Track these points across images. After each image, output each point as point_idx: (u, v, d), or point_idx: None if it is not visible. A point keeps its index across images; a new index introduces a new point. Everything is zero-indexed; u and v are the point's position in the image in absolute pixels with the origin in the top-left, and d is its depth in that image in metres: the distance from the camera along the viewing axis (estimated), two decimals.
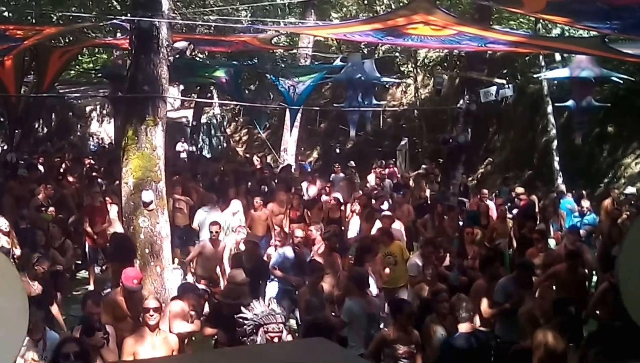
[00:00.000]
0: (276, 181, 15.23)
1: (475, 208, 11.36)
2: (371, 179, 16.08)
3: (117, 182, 10.38)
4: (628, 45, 8.08)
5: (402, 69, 22.60)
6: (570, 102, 11.50)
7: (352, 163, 18.18)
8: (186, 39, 11.34)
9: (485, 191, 12.74)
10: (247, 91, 16.02)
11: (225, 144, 31.20)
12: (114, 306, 6.40)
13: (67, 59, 12.99)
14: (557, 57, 14.77)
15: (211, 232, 9.27)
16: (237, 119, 32.51)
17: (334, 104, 19.45)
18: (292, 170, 17.07)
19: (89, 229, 11.17)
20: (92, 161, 18.53)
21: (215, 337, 6.36)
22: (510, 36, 7.97)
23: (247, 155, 25.07)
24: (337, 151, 24.02)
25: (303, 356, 2.06)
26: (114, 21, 11.52)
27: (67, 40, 13.77)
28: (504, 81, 13.40)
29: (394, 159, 17.89)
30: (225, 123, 32.48)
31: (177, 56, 9.99)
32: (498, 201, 11.91)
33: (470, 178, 17.84)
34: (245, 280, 7.38)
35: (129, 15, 9.95)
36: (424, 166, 17.23)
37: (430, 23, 7.09)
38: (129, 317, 6.21)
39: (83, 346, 4.57)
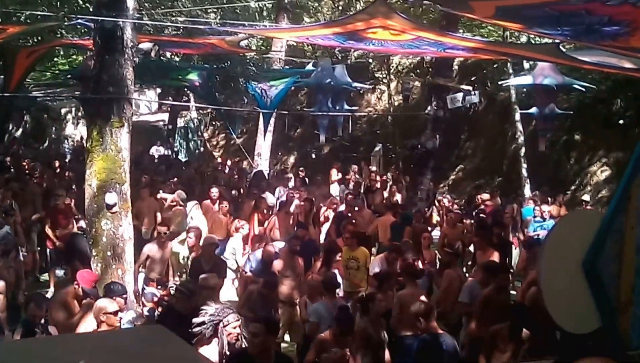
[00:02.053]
0: (247, 185, 15.22)
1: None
2: (334, 188, 16.08)
3: None
4: (586, 53, 8.19)
5: (376, 75, 22.72)
6: (533, 110, 11.63)
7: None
8: (152, 41, 11.32)
9: (441, 197, 12.88)
10: (218, 94, 15.97)
11: (202, 149, 31.12)
12: (65, 306, 6.38)
13: (35, 58, 12.89)
14: (526, 65, 14.94)
15: (159, 233, 9.24)
16: (214, 123, 32.43)
17: (304, 109, 19.48)
18: (265, 175, 17.05)
19: (49, 231, 11.08)
20: (62, 163, 18.43)
21: None
22: (468, 42, 8.06)
23: (223, 160, 25.02)
24: (313, 156, 24.06)
25: (137, 344, 2.08)
26: (79, 21, 11.47)
27: (34, 40, 13.68)
28: (470, 88, 13.53)
29: (356, 166, 17.82)
30: (202, 127, 32.40)
31: (142, 57, 9.96)
32: (453, 207, 12.02)
33: (441, 185, 17.96)
34: (217, 284, 7.40)
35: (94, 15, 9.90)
36: (389, 174, 17.31)
37: (389, 28, 7.14)
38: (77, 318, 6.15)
39: None
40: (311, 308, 6.67)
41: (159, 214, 11.20)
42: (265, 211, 11.56)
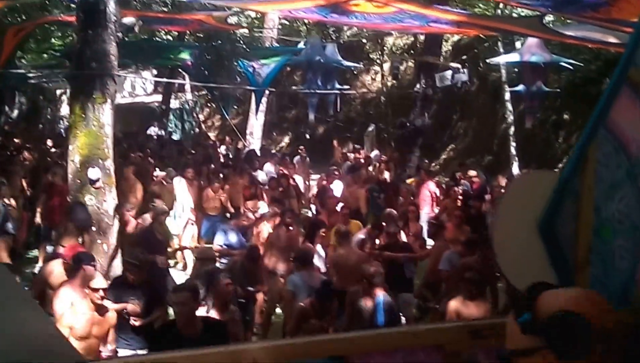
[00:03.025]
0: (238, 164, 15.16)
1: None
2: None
3: None
4: (571, 28, 8.11)
5: (371, 56, 22.63)
6: (521, 87, 11.59)
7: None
8: (137, 17, 11.21)
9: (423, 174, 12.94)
10: (208, 73, 15.88)
11: (197, 130, 31.09)
12: (50, 277, 6.39)
13: (22, 36, 12.79)
14: (517, 44, 14.86)
15: (154, 206, 9.21)
16: (209, 105, 32.36)
17: (293, 87, 19.39)
18: (257, 153, 17.02)
19: (38, 208, 11.06)
20: (55, 142, 18.40)
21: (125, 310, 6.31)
22: (451, 15, 7.96)
23: (218, 140, 24.99)
24: (307, 136, 24.01)
25: None
26: None
27: (21, 18, 13.58)
28: (459, 66, 13.44)
29: (355, 146, 17.88)
30: (197, 109, 32.34)
31: (125, 32, 9.87)
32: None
33: (433, 164, 17.95)
34: (214, 254, 7.45)
35: None
36: (376, 152, 17.29)
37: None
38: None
39: None
40: (288, 278, 6.77)
41: (139, 194, 11.13)
42: (255, 188, 11.54)
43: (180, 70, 20.60)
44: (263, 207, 10.03)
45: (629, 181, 3.01)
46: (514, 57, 12.31)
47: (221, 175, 12.21)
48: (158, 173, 12.47)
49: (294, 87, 19.66)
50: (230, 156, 17.45)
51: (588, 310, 1.30)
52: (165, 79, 21.99)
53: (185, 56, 16.98)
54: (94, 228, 9.50)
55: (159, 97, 30.20)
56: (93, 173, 9.53)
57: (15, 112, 31.66)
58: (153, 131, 24.84)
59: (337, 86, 14.38)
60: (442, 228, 8.52)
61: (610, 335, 1.28)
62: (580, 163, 2.90)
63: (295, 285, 6.58)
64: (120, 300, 6.32)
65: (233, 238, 8.38)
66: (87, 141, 9.66)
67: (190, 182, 11.29)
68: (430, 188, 11.34)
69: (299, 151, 17.16)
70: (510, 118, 15.14)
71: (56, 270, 6.56)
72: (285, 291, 6.51)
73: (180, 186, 11.09)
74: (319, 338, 2.61)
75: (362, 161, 14.82)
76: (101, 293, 5.61)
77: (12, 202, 10.68)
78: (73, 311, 5.56)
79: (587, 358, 1.29)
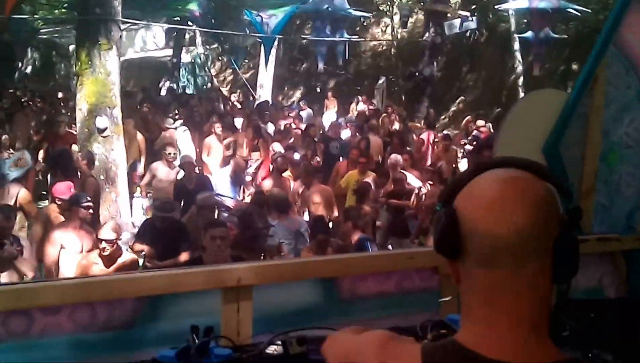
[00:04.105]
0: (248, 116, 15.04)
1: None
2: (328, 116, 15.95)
3: None
4: None
5: (380, 8, 22.22)
6: (529, 34, 11.35)
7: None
8: None
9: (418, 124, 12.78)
10: (216, 24, 15.63)
11: (209, 84, 30.89)
12: (45, 221, 6.36)
13: None
14: None
15: (169, 154, 9.13)
16: (220, 58, 32.05)
17: (302, 37, 19.09)
18: (268, 105, 16.84)
19: (40, 155, 11.05)
20: (66, 96, 18.36)
21: (144, 252, 6.29)
22: None
23: (229, 93, 24.84)
24: (318, 90, 23.76)
25: None
26: None
27: None
28: (467, 14, 13.12)
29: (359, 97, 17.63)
30: (209, 63, 32.08)
31: None
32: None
33: (442, 116, 17.74)
34: (214, 201, 7.39)
35: None
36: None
37: None
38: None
39: None
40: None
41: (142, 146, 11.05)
42: (258, 140, 11.44)
43: (189, 22, 20.38)
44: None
45: (638, 104, 2.87)
46: (522, 3, 12.06)
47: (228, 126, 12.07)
48: (167, 124, 12.34)
49: (302, 36, 19.30)
50: (240, 107, 17.29)
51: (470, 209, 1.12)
52: (168, 24, 21.70)
53: (193, 6, 16.74)
54: (102, 177, 9.48)
55: (170, 52, 29.98)
56: (101, 121, 9.49)
57: (29, 68, 31.67)
58: (165, 85, 24.73)
59: (346, 35, 14.12)
60: (439, 174, 8.33)
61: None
62: (588, 83, 2.76)
63: (274, 233, 6.46)
64: (143, 241, 6.34)
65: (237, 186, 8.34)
66: (94, 89, 9.60)
67: (202, 133, 11.20)
68: (430, 138, 11.23)
69: (300, 105, 17.00)
70: (519, 68, 14.86)
71: (52, 213, 6.50)
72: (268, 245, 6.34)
73: (184, 136, 11.02)
74: (307, 260, 2.52)
75: (372, 112, 14.62)
76: (104, 245, 5.31)
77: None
78: (64, 254, 5.52)
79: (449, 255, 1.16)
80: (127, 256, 5.64)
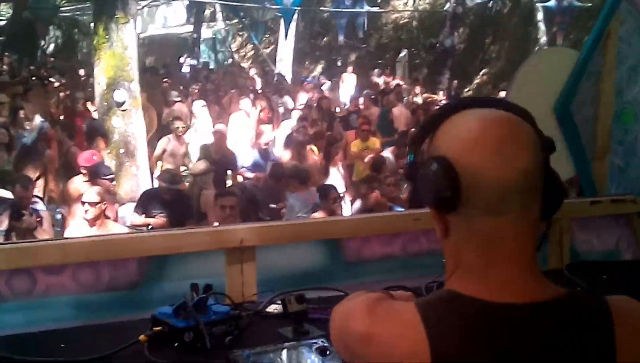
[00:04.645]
0: (265, 89, 15.02)
1: None
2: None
3: None
4: None
5: None
6: (552, 3, 11.10)
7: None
8: None
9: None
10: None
11: (230, 60, 30.88)
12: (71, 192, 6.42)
13: None
14: None
15: (177, 128, 9.14)
16: (241, 34, 31.97)
17: (320, 8, 18.94)
18: (286, 79, 16.80)
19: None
20: (87, 72, 18.45)
21: (150, 227, 6.26)
22: None
23: (249, 68, 24.80)
24: (339, 64, 23.63)
25: None
26: None
27: None
28: None
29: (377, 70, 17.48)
30: (230, 38, 32.04)
31: None
32: None
33: (466, 89, 17.54)
34: (206, 169, 7.37)
35: None
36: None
37: None
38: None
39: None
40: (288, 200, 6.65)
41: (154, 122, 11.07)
42: (273, 112, 11.41)
43: None
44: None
45: None
46: None
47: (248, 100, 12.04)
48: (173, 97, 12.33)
49: (321, 8, 19.15)
50: (260, 81, 17.27)
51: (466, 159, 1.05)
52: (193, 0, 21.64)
53: None
54: (121, 150, 9.54)
55: (191, 28, 29.98)
56: (119, 95, 9.53)
57: (51, 47, 31.88)
58: (186, 61, 24.77)
59: (366, 6, 13.98)
60: None
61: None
62: (600, 41, 2.68)
63: (291, 207, 6.45)
64: (148, 213, 6.34)
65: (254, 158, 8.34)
66: (112, 63, 9.62)
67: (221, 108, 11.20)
68: None
69: (319, 79, 16.91)
70: (543, 39, 14.59)
71: (76, 183, 6.53)
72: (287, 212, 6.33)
73: (202, 110, 11.01)
74: (310, 221, 2.50)
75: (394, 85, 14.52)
76: (87, 207, 5.21)
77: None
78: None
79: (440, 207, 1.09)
80: (113, 227, 5.47)
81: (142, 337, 1.71)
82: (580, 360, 1.04)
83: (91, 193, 5.32)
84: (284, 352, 1.53)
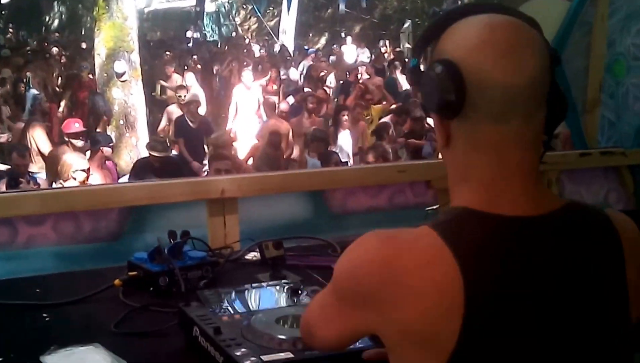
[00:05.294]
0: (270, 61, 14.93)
1: None
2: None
3: None
4: None
5: None
6: None
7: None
8: None
9: None
10: None
11: (234, 33, 30.74)
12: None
13: None
14: None
15: (179, 96, 9.11)
16: (245, 7, 31.76)
17: None
18: (289, 51, 16.69)
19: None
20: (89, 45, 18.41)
21: None
22: None
23: (252, 41, 24.67)
24: (342, 35, 23.46)
25: None
26: None
27: None
28: None
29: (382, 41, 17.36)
30: (233, 12, 31.86)
31: None
32: None
33: None
34: (227, 141, 7.38)
35: None
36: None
37: None
38: None
39: None
40: (308, 163, 6.64)
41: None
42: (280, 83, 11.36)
43: None
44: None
45: None
46: None
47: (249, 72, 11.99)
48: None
49: None
50: (264, 53, 17.17)
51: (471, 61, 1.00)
52: None
53: None
54: (121, 121, 9.55)
55: (195, 2, 29.82)
56: (119, 65, 9.51)
57: (56, 22, 31.82)
58: (190, 34, 24.70)
59: None
60: None
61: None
62: None
63: (314, 166, 6.45)
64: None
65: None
66: (112, 33, 9.61)
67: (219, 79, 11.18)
68: None
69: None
70: None
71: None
72: None
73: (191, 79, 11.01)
74: (293, 172, 2.48)
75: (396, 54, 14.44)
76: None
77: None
78: None
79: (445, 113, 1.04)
80: None
81: (116, 281, 1.70)
82: (597, 270, 1.04)
83: (79, 160, 5.26)
84: (254, 290, 1.51)
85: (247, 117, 9.41)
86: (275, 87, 10.49)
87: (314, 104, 8.40)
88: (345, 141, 7.87)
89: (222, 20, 31.24)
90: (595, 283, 1.03)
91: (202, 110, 9.09)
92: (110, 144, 6.18)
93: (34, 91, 9.29)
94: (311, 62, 13.36)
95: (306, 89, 9.95)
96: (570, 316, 1.01)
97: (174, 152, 7.71)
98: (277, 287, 1.55)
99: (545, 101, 1.03)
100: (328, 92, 10.26)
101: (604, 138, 2.78)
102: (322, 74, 11.32)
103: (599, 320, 1.03)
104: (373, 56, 16.31)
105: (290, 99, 9.88)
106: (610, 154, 2.64)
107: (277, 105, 9.16)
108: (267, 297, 1.51)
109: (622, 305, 1.05)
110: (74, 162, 5.15)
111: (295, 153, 7.95)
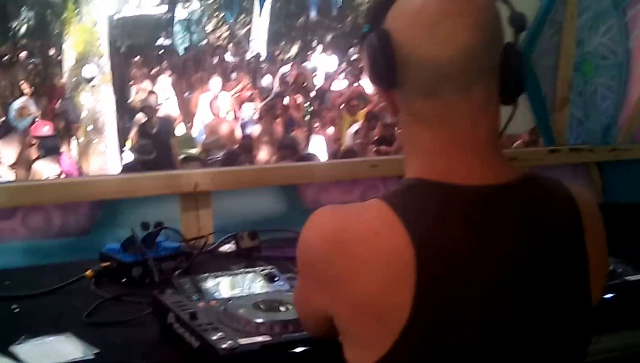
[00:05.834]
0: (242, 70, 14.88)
1: None
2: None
3: None
4: None
5: None
6: None
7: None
8: None
9: None
10: None
11: (205, 41, 30.65)
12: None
13: None
14: None
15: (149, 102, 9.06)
16: (216, 15, 31.70)
17: None
18: (261, 59, 16.68)
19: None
20: (58, 52, 18.21)
21: None
22: None
23: (223, 48, 24.59)
24: (314, 44, 23.54)
25: None
26: None
27: None
28: None
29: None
30: (205, 19, 31.78)
31: None
32: None
33: None
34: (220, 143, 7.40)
35: None
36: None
37: None
38: None
39: None
40: None
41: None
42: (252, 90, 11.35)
43: None
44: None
45: (615, 12, 2.78)
46: None
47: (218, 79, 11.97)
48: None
49: None
50: (235, 61, 17.13)
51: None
52: None
53: None
54: (89, 128, 9.42)
55: (166, 8, 29.69)
56: (88, 70, 9.39)
57: (24, 28, 31.35)
58: (161, 42, 24.57)
59: None
60: None
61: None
62: None
63: None
64: None
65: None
66: (82, 37, 9.49)
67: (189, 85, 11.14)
68: None
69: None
70: None
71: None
72: None
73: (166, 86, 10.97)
74: (266, 166, 2.48)
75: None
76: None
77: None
78: None
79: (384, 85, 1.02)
80: None
81: (88, 272, 1.68)
82: (556, 243, 1.01)
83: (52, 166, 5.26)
84: (230, 277, 1.50)
85: (217, 123, 9.38)
86: (247, 93, 10.45)
87: (286, 110, 8.43)
88: (318, 147, 7.89)
89: (193, 27, 31.13)
90: (555, 256, 1.00)
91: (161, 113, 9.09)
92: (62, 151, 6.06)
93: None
94: (288, 70, 13.36)
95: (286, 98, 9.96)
96: (528, 286, 0.97)
97: None
98: (253, 274, 1.54)
99: (489, 73, 0.99)
100: (302, 98, 10.27)
101: (572, 135, 2.82)
102: (302, 81, 11.34)
103: (559, 292, 1.00)
104: (344, 65, 16.42)
105: (261, 105, 9.89)
106: (578, 151, 2.69)
107: (249, 111, 9.19)
108: (243, 284, 1.50)
109: (583, 278, 1.02)
110: (44, 170, 5.13)
111: (266, 158, 7.96)
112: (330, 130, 8.53)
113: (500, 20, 1.01)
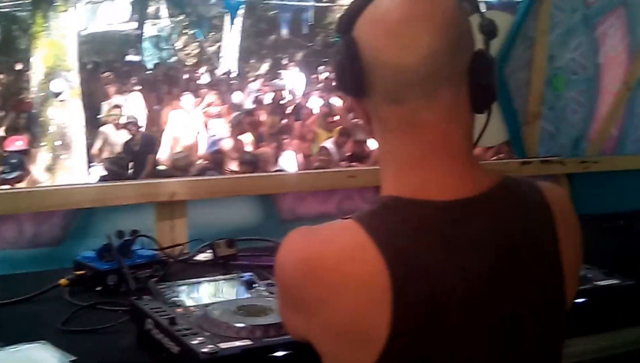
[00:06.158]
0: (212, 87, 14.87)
1: None
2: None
3: None
4: None
5: None
6: None
7: None
8: None
9: None
10: None
11: (175, 58, 30.56)
12: None
13: None
14: None
15: (113, 116, 9.00)
16: (186, 32, 31.65)
17: (264, 1, 18.92)
18: (231, 75, 16.70)
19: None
20: (25, 67, 18.00)
21: None
22: None
23: (195, 67, 24.57)
24: (284, 62, 23.62)
25: None
26: None
27: None
28: None
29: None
30: (174, 36, 31.69)
31: None
32: None
33: None
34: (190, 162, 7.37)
35: None
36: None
37: None
38: None
39: None
40: None
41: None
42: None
43: None
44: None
45: (584, 29, 2.85)
46: None
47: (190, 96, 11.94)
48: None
49: (265, 1, 19.13)
50: (206, 78, 17.11)
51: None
52: None
53: None
54: (57, 143, 9.29)
55: (135, 25, 29.57)
56: (56, 85, 9.29)
57: None
58: (129, 58, 24.43)
59: (313, 2, 14.02)
60: None
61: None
62: (534, 4, 2.72)
63: None
64: None
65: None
66: (50, 51, 9.39)
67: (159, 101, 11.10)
68: None
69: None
70: None
71: None
72: None
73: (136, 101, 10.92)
74: (242, 176, 2.47)
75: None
76: None
77: None
78: None
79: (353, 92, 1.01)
80: None
81: (62, 280, 1.65)
82: (533, 250, 0.99)
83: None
84: (208, 284, 1.49)
85: (186, 140, 9.34)
86: (217, 109, 10.42)
87: (254, 126, 8.45)
88: (288, 163, 7.89)
89: (162, 44, 31.03)
90: (532, 265, 0.99)
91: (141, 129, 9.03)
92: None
93: None
94: (259, 86, 13.40)
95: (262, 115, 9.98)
96: (508, 301, 0.96)
97: None
98: (232, 281, 1.53)
99: (457, 79, 0.97)
100: (275, 115, 10.29)
101: (543, 148, 2.87)
102: (278, 99, 11.40)
103: (538, 302, 0.99)
104: (315, 82, 16.52)
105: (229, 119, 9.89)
106: (549, 163, 2.73)
107: (218, 127, 9.17)
108: (221, 290, 1.49)
109: (558, 285, 1.02)
110: None
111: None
112: (302, 146, 8.53)
113: (470, 26, 1.00)
